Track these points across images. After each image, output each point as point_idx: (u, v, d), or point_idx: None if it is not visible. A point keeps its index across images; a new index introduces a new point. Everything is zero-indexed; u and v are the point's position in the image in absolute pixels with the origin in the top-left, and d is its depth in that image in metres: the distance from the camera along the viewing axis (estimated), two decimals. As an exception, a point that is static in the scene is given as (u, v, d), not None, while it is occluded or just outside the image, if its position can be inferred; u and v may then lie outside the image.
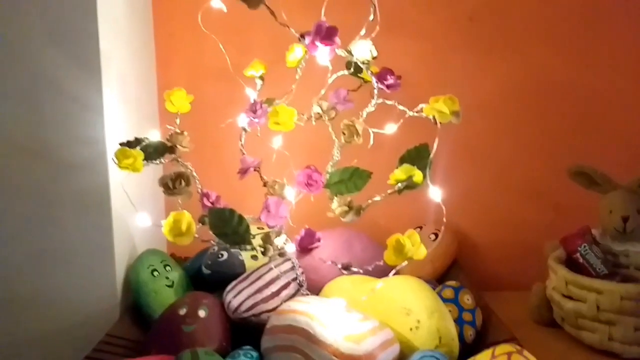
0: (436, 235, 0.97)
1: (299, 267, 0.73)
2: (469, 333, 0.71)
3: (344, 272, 0.61)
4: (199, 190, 0.66)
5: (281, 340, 0.61)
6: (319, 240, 0.60)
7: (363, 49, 0.64)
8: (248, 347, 0.64)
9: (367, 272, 0.77)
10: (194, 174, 0.67)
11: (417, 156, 0.64)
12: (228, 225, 0.61)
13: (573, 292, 0.80)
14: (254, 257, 0.77)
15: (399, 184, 0.62)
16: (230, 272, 0.75)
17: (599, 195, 0.89)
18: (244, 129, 0.76)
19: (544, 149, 1.02)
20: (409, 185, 0.62)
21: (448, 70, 1.01)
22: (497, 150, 1.03)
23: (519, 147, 1.03)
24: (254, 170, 0.71)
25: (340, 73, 0.70)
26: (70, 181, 0.71)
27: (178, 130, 0.68)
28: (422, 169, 0.63)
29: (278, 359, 0.62)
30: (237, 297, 0.70)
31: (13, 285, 0.72)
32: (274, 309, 0.68)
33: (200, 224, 0.64)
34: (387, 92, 0.66)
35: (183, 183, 0.61)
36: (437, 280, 0.93)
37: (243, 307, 0.69)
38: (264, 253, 0.62)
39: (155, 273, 0.76)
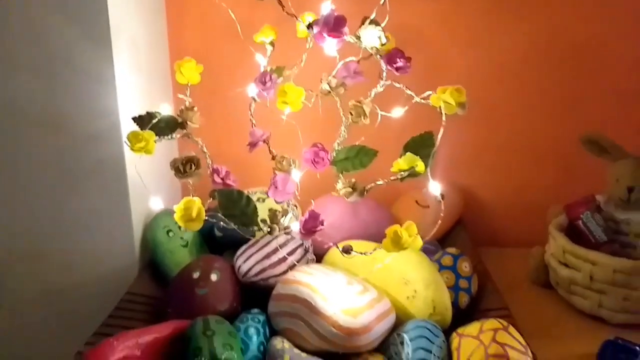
0: (442, 195, 0.99)
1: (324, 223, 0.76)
2: (464, 299, 0.76)
3: (344, 255, 0.65)
4: (209, 166, 0.68)
5: (286, 307, 0.67)
6: (322, 223, 0.63)
7: (372, 37, 0.63)
8: (256, 310, 0.70)
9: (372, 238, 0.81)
10: (204, 149, 0.70)
11: (422, 144, 0.65)
12: (236, 207, 0.64)
13: (569, 261, 0.83)
14: (264, 221, 0.81)
15: (401, 173, 0.63)
16: (240, 235, 0.80)
17: (608, 162, 0.90)
18: (254, 99, 0.76)
19: (558, 113, 1.01)
20: (412, 174, 0.64)
21: (466, 29, 0.99)
22: (511, 111, 1.02)
23: (533, 110, 1.02)
24: (264, 142, 0.73)
25: (349, 59, 0.69)
26: (88, 151, 0.75)
27: (188, 105, 0.70)
28: (425, 158, 0.64)
29: (283, 323, 0.67)
30: (247, 262, 0.75)
31: (40, 245, 0.78)
32: (281, 274, 0.73)
33: (211, 199, 0.67)
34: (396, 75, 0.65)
35: (193, 167, 0.64)
36: (440, 239, 0.97)
37: (252, 272, 0.74)
38: (270, 232, 0.65)
39: (171, 233, 0.81)
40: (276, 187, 0.68)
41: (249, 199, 0.65)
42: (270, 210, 0.67)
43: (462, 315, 0.75)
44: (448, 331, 0.68)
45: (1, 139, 0.74)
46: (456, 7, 0.97)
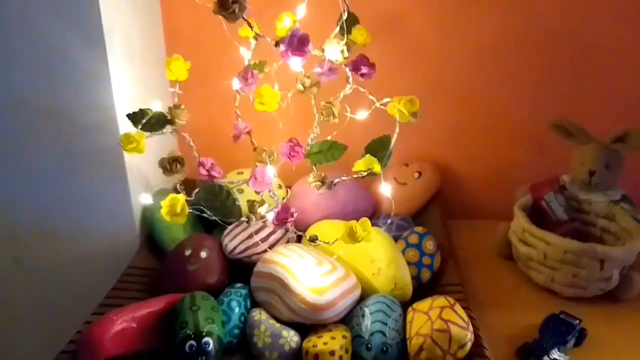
0: (420, 173, 1.06)
1: (294, 215, 0.85)
2: (426, 275, 0.85)
3: (311, 243, 0.73)
4: (196, 159, 0.76)
5: (264, 283, 0.77)
6: (292, 215, 0.71)
7: (334, 52, 0.69)
8: (240, 284, 0.80)
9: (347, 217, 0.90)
10: (191, 143, 0.78)
11: (380, 146, 0.72)
12: (217, 199, 0.73)
13: (527, 239, 0.91)
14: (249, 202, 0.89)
15: (362, 173, 0.71)
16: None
17: (575, 145, 0.96)
18: (238, 92, 0.83)
19: (534, 94, 1.06)
20: (370, 174, 0.71)
21: (445, 13, 1.01)
22: (488, 92, 1.07)
23: (510, 91, 1.06)
24: (247, 134, 0.81)
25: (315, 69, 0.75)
26: (89, 140, 0.83)
27: (176, 103, 0.77)
28: (382, 159, 0.71)
29: (262, 296, 0.77)
30: (233, 240, 0.84)
31: (49, 223, 0.88)
32: (263, 252, 0.83)
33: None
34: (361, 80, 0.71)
35: (179, 165, 0.72)
36: (416, 213, 1.05)
37: (237, 250, 0.83)
38: (247, 222, 0.74)
39: (169, 214, 0.91)
40: (256, 179, 0.76)
41: (228, 192, 0.74)
42: (248, 201, 0.76)
43: (425, 289, 0.84)
44: (410, 303, 0.78)
45: (10, 130, 0.82)
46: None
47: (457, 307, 0.72)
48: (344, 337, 0.71)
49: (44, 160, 0.84)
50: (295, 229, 0.89)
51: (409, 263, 0.84)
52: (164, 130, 0.77)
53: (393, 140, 0.72)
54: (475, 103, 1.08)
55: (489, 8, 1.00)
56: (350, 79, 0.72)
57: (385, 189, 0.74)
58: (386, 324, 0.72)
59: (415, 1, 1.01)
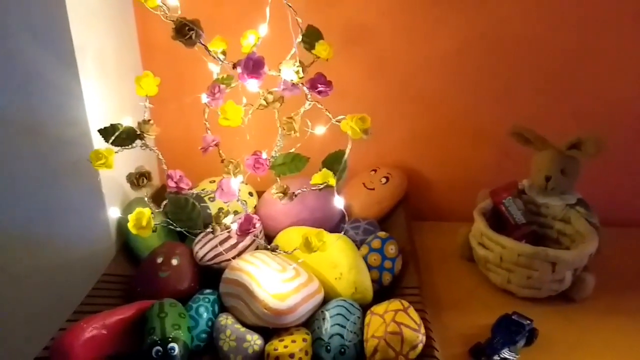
0: (387, 178, 1.10)
1: (257, 225, 0.90)
2: (387, 278, 0.89)
3: (272, 252, 0.77)
4: (166, 172, 0.80)
5: (231, 289, 0.81)
6: (254, 225, 0.75)
7: (289, 73, 0.73)
8: (209, 290, 0.84)
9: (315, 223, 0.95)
10: (160, 156, 0.81)
11: (335, 160, 0.76)
12: (183, 212, 0.77)
13: (485, 242, 0.95)
14: (221, 209, 0.93)
15: (319, 185, 0.75)
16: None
17: (533, 151, 1.00)
18: (207, 106, 0.87)
19: (496, 100, 1.10)
20: (326, 186, 0.75)
21: (409, 22, 1.06)
22: (452, 99, 1.11)
23: (473, 97, 1.11)
24: (215, 146, 0.85)
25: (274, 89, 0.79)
26: (64, 154, 0.87)
27: (145, 119, 0.80)
28: (337, 171, 0.75)
29: (229, 301, 0.82)
30: (203, 248, 0.88)
31: (28, 233, 0.92)
32: (231, 259, 0.87)
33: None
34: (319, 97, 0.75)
35: (145, 180, 0.76)
36: (384, 217, 1.10)
37: (207, 257, 0.88)
38: (212, 232, 0.78)
39: (141, 223, 0.95)
40: (222, 190, 0.80)
41: (194, 204, 0.78)
42: (217, 211, 0.80)
43: (386, 291, 0.89)
44: (371, 306, 0.82)
45: (-12, 145, 0.86)
46: (398, 3, 1.04)
47: (411, 310, 0.76)
48: (304, 339, 0.75)
49: (22, 173, 0.88)
50: (264, 234, 0.94)
51: (371, 267, 0.89)
52: (134, 145, 0.80)
53: (346, 155, 0.76)
54: (440, 109, 1.12)
55: (452, 17, 1.04)
56: (309, 96, 0.76)
57: (339, 202, 0.78)
58: (345, 327, 0.76)
59: (381, 12, 1.05)
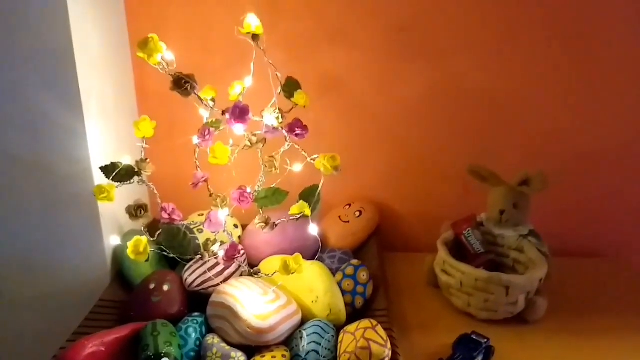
0: (360, 212, 1.21)
1: (241, 252, 0.99)
2: (359, 302, 0.99)
3: (254, 276, 0.87)
4: (160, 205, 0.90)
5: (218, 311, 0.90)
6: (239, 252, 0.85)
7: (270, 118, 0.84)
8: (197, 313, 0.92)
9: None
10: (155, 191, 0.91)
11: (310, 193, 0.87)
12: (175, 240, 0.86)
13: (447, 269, 1.06)
14: (209, 239, 1.03)
15: (296, 216, 0.86)
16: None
17: (489, 188, 1.12)
18: (197, 146, 0.97)
19: (457, 141, 1.23)
20: (303, 216, 0.86)
21: (378, 74, 1.18)
22: (418, 141, 1.23)
23: (436, 139, 1.23)
24: (204, 182, 0.95)
25: (257, 132, 0.90)
26: (66, 188, 0.96)
27: (142, 157, 0.91)
28: (311, 203, 0.86)
29: (215, 323, 0.90)
30: (192, 275, 0.97)
31: (29, 261, 0.99)
32: (217, 285, 0.96)
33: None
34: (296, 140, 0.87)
35: (142, 211, 0.86)
36: (358, 247, 1.20)
37: (195, 283, 0.96)
38: (201, 258, 0.88)
39: (135, 252, 1.03)
40: (210, 221, 0.90)
41: (185, 233, 0.87)
42: (204, 241, 0.89)
43: (358, 314, 0.98)
44: (344, 326, 0.91)
45: (-2, 180, 0.95)
46: (368, 55, 1.16)
47: (379, 328, 0.86)
48: (283, 356, 0.84)
49: (26, 205, 0.97)
50: (248, 262, 1.03)
51: (344, 292, 0.98)
52: (132, 181, 0.90)
53: (320, 189, 0.86)
54: (408, 150, 1.24)
55: (414, 70, 1.18)
56: (288, 138, 0.87)
57: (313, 230, 0.88)
58: (320, 344, 0.85)
59: (351, 64, 1.17)
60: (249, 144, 0.90)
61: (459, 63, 1.17)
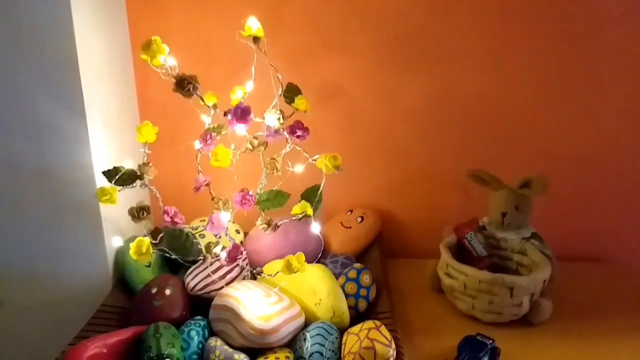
0: (362, 218, 1.21)
1: (243, 253, 0.99)
2: (362, 305, 0.98)
3: (257, 275, 0.87)
4: (162, 208, 0.90)
5: (220, 314, 0.89)
6: (242, 253, 0.85)
7: (272, 119, 0.85)
8: (199, 317, 0.92)
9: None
10: (158, 195, 0.92)
11: (312, 193, 0.87)
12: (178, 241, 0.86)
13: (450, 272, 1.05)
14: (211, 242, 1.02)
15: (298, 215, 0.86)
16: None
17: (490, 191, 1.13)
18: (199, 151, 0.98)
19: (456, 148, 1.23)
20: (305, 216, 0.86)
21: (377, 82, 1.20)
22: (417, 148, 1.24)
23: (435, 146, 1.24)
24: (206, 186, 0.95)
25: (258, 133, 0.91)
26: (69, 195, 0.96)
27: (145, 162, 0.91)
28: (313, 203, 0.86)
29: (218, 326, 0.90)
30: (194, 279, 0.97)
31: (32, 267, 0.99)
32: (220, 289, 0.95)
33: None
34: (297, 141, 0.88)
35: (145, 213, 0.86)
36: (361, 253, 1.19)
37: (197, 287, 0.96)
38: (203, 260, 0.87)
39: (137, 256, 1.03)
40: (212, 223, 0.90)
41: (187, 235, 0.87)
42: (206, 243, 0.89)
43: (361, 317, 0.97)
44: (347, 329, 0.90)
45: (1, 186, 0.95)
46: (367, 64, 1.18)
47: (383, 328, 0.85)
48: (287, 357, 0.83)
49: (28, 212, 0.97)
50: (249, 267, 1.03)
51: (347, 295, 0.98)
52: (134, 185, 0.91)
53: (321, 188, 0.87)
54: (409, 157, 1.25)
55: (413, 78, 1.19)
56: (289, 140, 0.88)
57: (316, 228, 0.88)
58: (324, 346, 0.84)
59: (350, 73, 1.19)
60: (250, 147, 0.91)
61: (457, 70, 1.19)
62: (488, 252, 1.10)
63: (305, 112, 0.97)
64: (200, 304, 0.96)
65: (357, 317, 0.97)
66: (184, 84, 0.78)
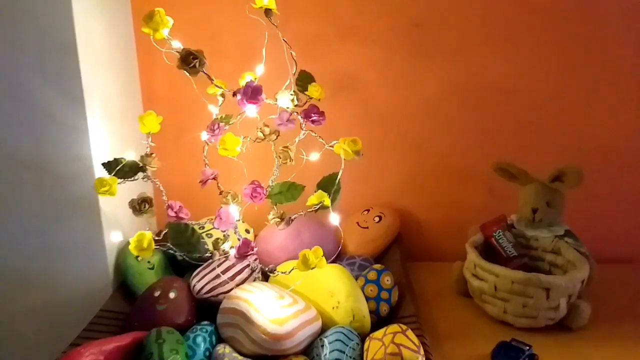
0: (380, 217, 1.13)
1: (254, 254, 0.91)
2: (384, 309, 0.90)
3: (270, 274, 0.79)
4: (165, 202, 0.83)
5: (229, 319, 0.81)
6: (252, 248, 0.77)
7: (285, 100, 0.78)
8: (206, 322, 0.84)
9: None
10: (161, 188, 0.84)
11: (329, 182, 0.80)
12: (183, 237, 0.78)
13: (479, 273, 0.97)
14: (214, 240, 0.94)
15: (314, 206, 0.78)
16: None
17: (518, 186, 1.05)
18: (206, 143, 0.91)
19: (479, 141, 1.16)
20: (322, 207, 0.78)
21: (395, 71, 1.13)
22: (438, 142, 1.17)
23: (457, 139, 1.16)
24: (213, 179, 0.88)
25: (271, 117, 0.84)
26: (67, 190, 0.89)
27: (148, 152, 0.84)
28: (330, 193, 0.78)
29: (227, 332, 0.81)
30: (200, 281, 0.89)
31: (26, 269, 0.92)
32: (228, 291, 0.87)
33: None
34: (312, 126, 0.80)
35: (147, 206, 0.79)
36: (379, 255, 1.11)
37: (204, 290, 0.88)
38: (211, 257, 0.80)
39: (139, 258, 0.95)
40: (221, 219, 0.82)
41: (193, 230, 0.80)
42: (214, 239, 0.82)
43: (383, 322, 0.88)
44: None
45: (-7, 182, 0.89)
46: (384, 53, 1.11)
47: (409, 332, 0.77)
48: (303, 365, 0.74)
49: (25, 210, 0.90)
50: (260, 269, 0.95)
51: (367, 298, 0.89)
52: (136, 177, 0.83)
53: (339, 176, 0.79)
54: (428, 150, 1.17)
55: (432, 67, 1.12)
56: (303, 125, 0.80)
57: (334, 219, 0.80)
58: (344, 352, 0.76)
59: (366, 62, 1.12)
60: (261, 135, 0.84)
61: (478, 59, 1.12)
62: (518, 251, 1.02)
63: (319, 100, 0.90)
64: (207, 309, 0.88)
65: (378, 322, 0.88)
66: (189, 59, 0.71)
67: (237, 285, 0.89)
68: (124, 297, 0.94)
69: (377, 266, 0.95)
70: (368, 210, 1.15)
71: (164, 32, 0.72)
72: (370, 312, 0.88)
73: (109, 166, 0.83)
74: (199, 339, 0.79)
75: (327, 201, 0.78)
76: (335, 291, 0.86)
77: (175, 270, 0.98)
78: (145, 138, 0.88)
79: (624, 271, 1.14)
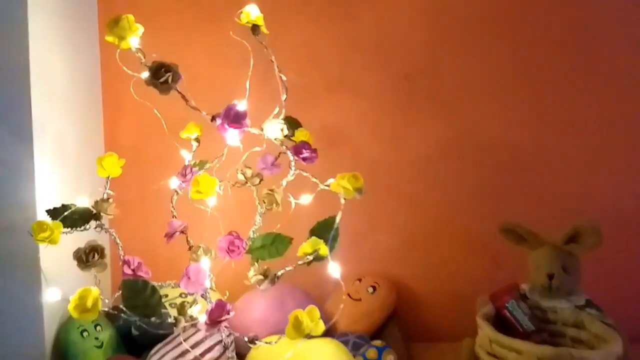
0: (374, 288, 0.99)
1: (227, 328, 0.74)
2: (388, 393, 0.73)
3: (250, 345, 0.63)
4: (121, 257, 0.68)
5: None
6: (228, 312, 0.62)
7: (274, 129, 0.68)
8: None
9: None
10: (117, 240, 0.70)
11: (325, 228, 0.67)
12: (140, 297, 0.62)
13: (496, 350, 0.82)
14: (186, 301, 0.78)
15: (307, 257, 0.65)
16: (159, 332, 0.77)
17: (528, 250, 0.93)
18: (176, 191, 0.78)
19: (478, 202, 1.07)
20: (316, 257, 0.65)
21: (384, 125, 1.06)
22: (434, 203, 1.08)
23: (453, 199, 1.07)
24: (181, 233, 0.74)
25: (255, 149, 0.73)
26: (0, 243, 0.73)
27: (104, 197, 0.71)
28: (327, 241, 0.65)
29: None
30: (160, 361, 0.71)
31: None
32: (197, 374, 0.70)
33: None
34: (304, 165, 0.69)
35: (97, 256, 0.63)
36: (375, 333, 0.96)
37: (164, 373, 0.70)
38: (175, 325, 0.63)
39: (85, 333, 0.78)
40: (189, 278, 0.67)
41: (154, 289, 0.64)
42: (180, 302, 0.66)
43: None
44: None
45: None
46: (375, 105, 1.05)
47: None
48: None
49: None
50: (236, 349, 0.78)
51: (368, 380, 0.73)
52: (88, 226, 0.69)
53: (338, 220, 0.66)
54: (422, 213, 1.08)
55: (423, 120, 1.06)
56: (293, 164, 0.69)
57: (334, 269, 0.66)
58: None
59: (354, 115, 1.06)
60: (242, 177, 0.71)
61: (472, 112, 1.06)
62: (536, 325, 0.88)
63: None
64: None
65: (381, 410, 0.71)
66: (161, 73, 0.60)
67: (207, 363, 0.72)
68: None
69: (378, 342, 0.81)
70: (360, 280, 1.01)
71: (132, 41, 0.62)
72: (372, 398, 0.71)
73: (54, 213, 0.68)
74: None
75: (324, 249, 0.64)
76: (328, 369, 0.69)
77: (129, 349, 0.80)
78: (104, 184, 0.75)
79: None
